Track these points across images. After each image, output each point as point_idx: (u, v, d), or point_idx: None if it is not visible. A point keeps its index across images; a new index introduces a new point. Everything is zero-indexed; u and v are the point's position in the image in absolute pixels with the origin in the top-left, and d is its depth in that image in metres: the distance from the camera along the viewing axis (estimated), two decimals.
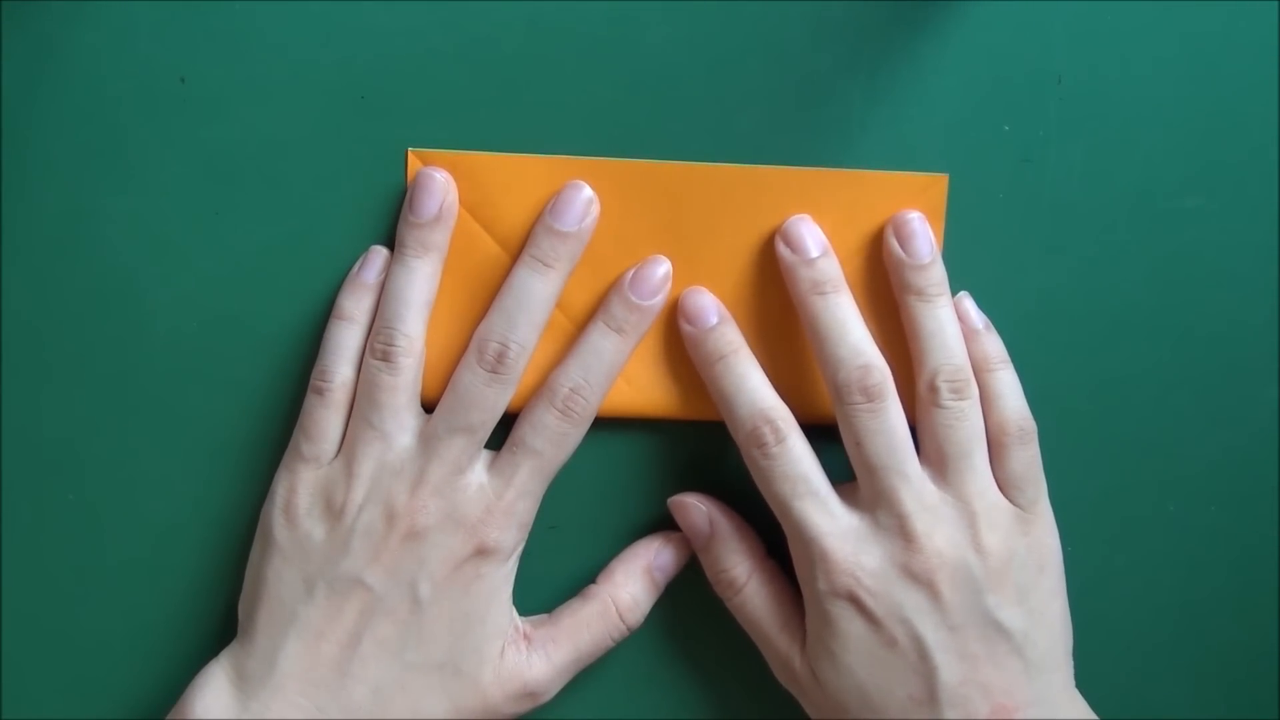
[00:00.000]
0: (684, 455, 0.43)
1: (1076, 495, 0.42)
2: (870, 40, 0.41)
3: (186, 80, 0.41)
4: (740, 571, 0.41)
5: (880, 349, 0.40)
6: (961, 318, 0.41)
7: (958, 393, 0.39)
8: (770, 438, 0.39)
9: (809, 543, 0.39)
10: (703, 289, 0.41)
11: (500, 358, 0.40)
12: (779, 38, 0.41)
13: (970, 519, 0.38)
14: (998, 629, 0.38)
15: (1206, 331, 0.43)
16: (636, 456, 0.43)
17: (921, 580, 0.38)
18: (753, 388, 0.40)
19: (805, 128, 0.42)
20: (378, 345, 0.40)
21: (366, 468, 0.39)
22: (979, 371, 0.40)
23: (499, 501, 0.39)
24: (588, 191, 0.40)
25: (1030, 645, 0.38)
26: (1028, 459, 0.40)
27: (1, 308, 0.42)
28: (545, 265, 0.40)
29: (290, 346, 0.42)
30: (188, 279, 0.42)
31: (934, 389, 0.39)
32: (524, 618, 0.41)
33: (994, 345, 0.41)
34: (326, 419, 0.40)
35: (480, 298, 0.42)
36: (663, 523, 0.43)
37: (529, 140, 0.41)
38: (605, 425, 0.43)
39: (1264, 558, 0.43)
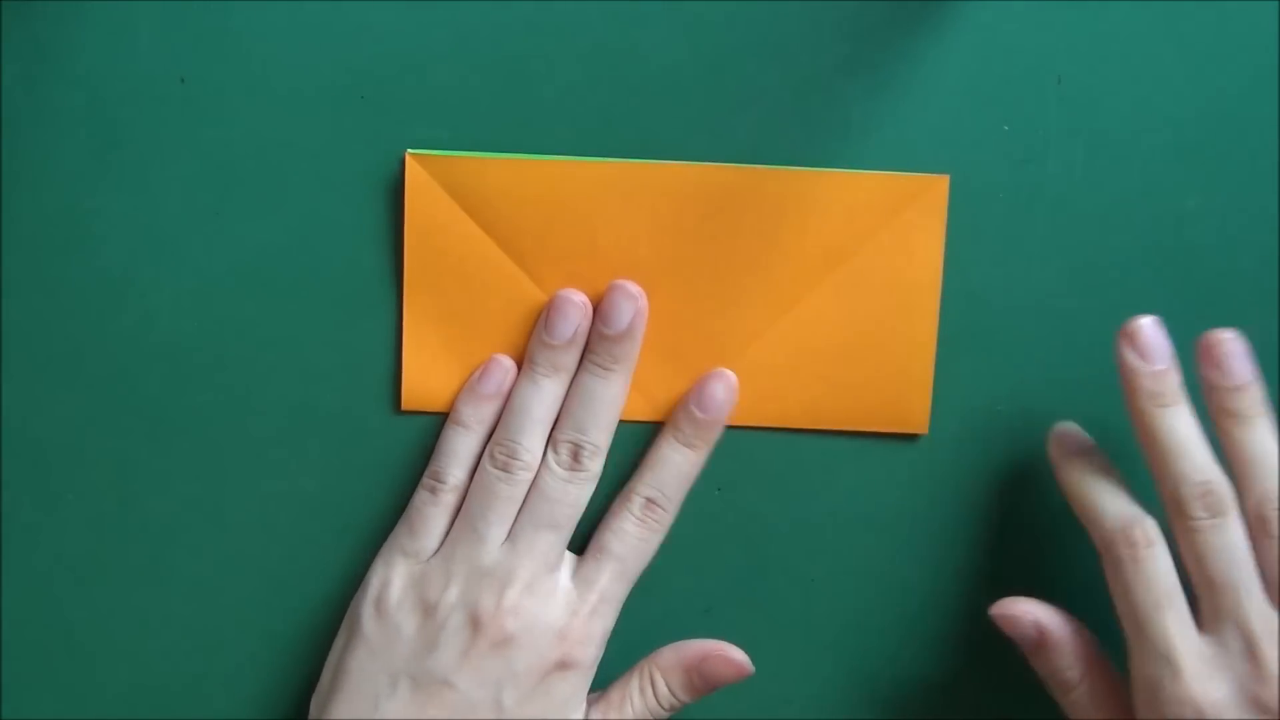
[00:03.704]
0: None
1: None
2: (870, 40, 0.41)
3: (186, 80, 0.41)
4: (1074, 674, 0.40)
5: (880, 349, 0.40)
6: (1214, 361, 0.39)
7: None
8: (1142, 539, 0.38)
9: (1162, 659, 0.37)
10: (1158, 322, 0.39)
11: (576, 456, 0.41)
12: (779, 38, 0.41)
13: None
14: None
15: (1206, 331, 0.43)
16: (636, 457, 0.43)
17: (1268, 709, 0.36)
18: (1117, 491, 0.39)
19: (805, 128, 0.42)
20: (499, 455, 0.41)
21: (463, 568, 0.40)
22: (1221, 424, 0.39)
23: (583, 604, 0.40)
24: (632, 289, 0.41)
25: None
26: None
27: (1, 308, 0.42)
28: (605, 369, 0.41)
29: (290, 346, 0.42)
30: (188, 279, 0.42)
31: (1262, 518, 0.37)
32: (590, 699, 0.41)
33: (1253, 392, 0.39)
34: (435, 517, 0.41)
35: (480, 300, 0.42)
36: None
37: (529, 140, 0.41)
38: None
39: None
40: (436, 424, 0.42)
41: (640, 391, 0.42)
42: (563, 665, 0.39)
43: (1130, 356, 0.39)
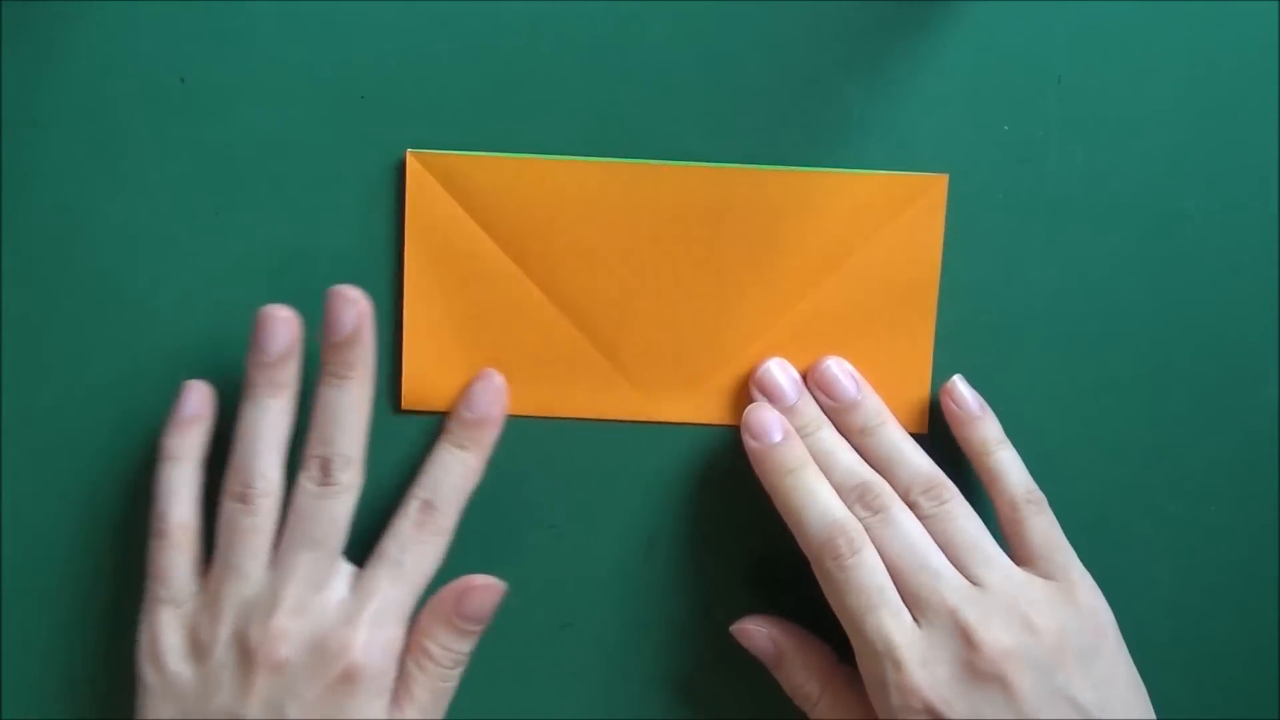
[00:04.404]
0: (684, 456, 0.43)
1: (1076, 495, 0.42)
2: (870, 40, 0.41)
3: (186, 80, 0.41)
4: (813, 687, 0.41)
5: (879, 348, 0.40)
6: (958, 403, 0.41)
7: (937, 499, 0.40)
8: (845, 549, 0.39)
9: (882, 656, 0.38)
10: (763, 404, 0.41)
11: (325, 470, 0.39)
12: (779, 38, 0.41)
13: (1010, 603, 0.38)
14: (1073, 705, 0.37)
15: (1206, 331, 0.43)
16: (636, 456, 0.43)
17: (991, 677, 0.37)
18: (824, 500, 0.40)
19: (805, 128, 0.42)
20: (234, 487, 0.40)
21: (228, 603, 0.39)
22: (979, 455, 0.41)
23: (360, 614, 0.39)
24: (351, 293, 0.40)
25: (1107, 714, 0.37)
26: (1044, 527, 0.40)
27: (1, 308, 0.42)
28: (340, 378, 0.40)
29: None
30: (188, 279, 0.42)
31: (914, 504, 0.40)
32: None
33: (992, 428, 0.41)
34: (172, 561, 0.40)
35: (482, 300, 0.42)
36: (659, 521, 0.43)
37: (529, 140, 0.41)
38: (606, 425, 0.43)
39: (1264, 558, 0.43)
40: (437, 424, 0.42)
41: (641, 393, 0.42)
42: (347, 678, 0.38)
43: (749, 441, 0.41)
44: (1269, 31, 0.42)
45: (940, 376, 0.42)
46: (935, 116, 0.42)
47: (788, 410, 0.41)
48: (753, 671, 0.43)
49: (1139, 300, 0.43)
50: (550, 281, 0.42)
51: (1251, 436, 0.43)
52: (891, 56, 0.42)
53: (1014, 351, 0.42)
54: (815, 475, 0.40)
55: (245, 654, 0.38)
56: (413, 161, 0.41)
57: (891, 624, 0.38)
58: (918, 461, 0.40)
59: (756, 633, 0.42)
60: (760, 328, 0.42)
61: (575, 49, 0.41)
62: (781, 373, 0.42)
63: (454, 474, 0.41)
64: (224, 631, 0.39)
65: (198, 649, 0.39)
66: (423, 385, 0.42)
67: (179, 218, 0.42)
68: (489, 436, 0.41)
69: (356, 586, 0.40)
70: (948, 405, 0.41)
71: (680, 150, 0.41)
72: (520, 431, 0.43)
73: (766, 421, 0.41)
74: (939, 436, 0.42)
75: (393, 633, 0.39)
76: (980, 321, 0.42)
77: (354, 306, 0.40)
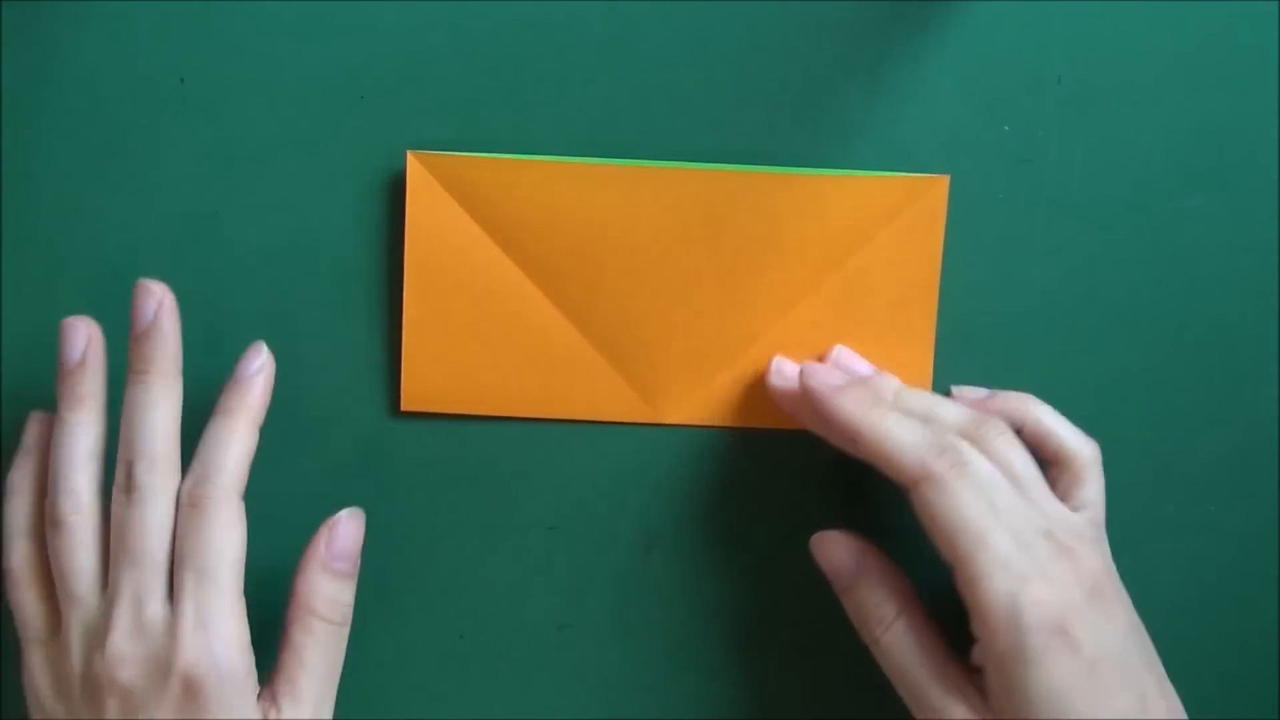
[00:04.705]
0: (684, 457, 0.43)
1: None
2: (870, 40, 0.41)
3: (186, 80, 0.41)
4: (889, 609, 0.39)
5: (879, 349, 0.40)
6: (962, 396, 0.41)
7: (996, 429, 0.39)
8: (949, 466, 0.37)
9: (1010, 574, 0.36)
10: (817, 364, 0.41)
11: (129, 474, 0.38)
12: (779, 38, 0.41)
13: (1078, 529, 0.38)
14: (1141, 632, 0.38)
15: (1206, 331, 0.43)
16: (636, 457, 0.43)
17: (1097, 594, 0.37)
18: (912, 427, 0.38)
19: (805, 128, 0.42)
20: (49, 513, 0.39)
21: (74, 634, 0.38)
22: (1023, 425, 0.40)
23: (182, 624, 0.37)
24: (154, 286, 0.39)
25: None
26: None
27: (2, 308, 0.42)
28: (140, 374, 0.39)
29: (289, 346, 0.42)
30: (188, 279, 0.42)
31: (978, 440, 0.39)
32: (260, 687, 0.39)
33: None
34: (21, 599, 0.39)
35: (480, 301, 0.42)
36: (659, 522, 0.43)
37: (529, 140, 0.41)
38: (606, 427, 0.43)
39: (1264, 558, 0.43)
40: (436, 425, 0.42)
41: (641, 395, 0.42)
42: (189, 691, 0.37)
43: None
44: (1269, 31, 0.42)
45: (941, 377, 0.42)
46: (935, 117, 0.42)
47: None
48: (752, 672, 0.43)
49: (1139, 300, 0.43)
50: (550, 283, 0.42)
51: (1251, 436, 0.43)
52: (891, 56, 0.42)
53: (1014, 352, 0.42)
54: (893, 409, 0.39)
55: (93, 685, 0.37)
56: (413, 162, 0.41)
57: (1011, 542, 0.36)
58: (956, 409, 0.40)
59: (838, 543, 0.40)
60: (760, 329, 0.42)
61: (575, 49, 0.41)
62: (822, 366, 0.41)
63: (220, 441, 0.39)
64: (76, 665, 0.38)
65: (60, 686, 0.38)
66: (422, 386, 0.42)
67: (179, 218, 0.42)
68: (253, 401, 0.39)
69: (170, 596, 0.38)
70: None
71: (680, 151, 0.41)
72: (520, 432, 0.43)
73: (829, 371, 0.40)
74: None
75: (224, 629, 0.37)
76: (980, 321, 0.42)
77: (153, 298, 0.39)
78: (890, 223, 0.42)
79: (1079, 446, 0.40)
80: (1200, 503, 0.43)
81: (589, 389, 0.42)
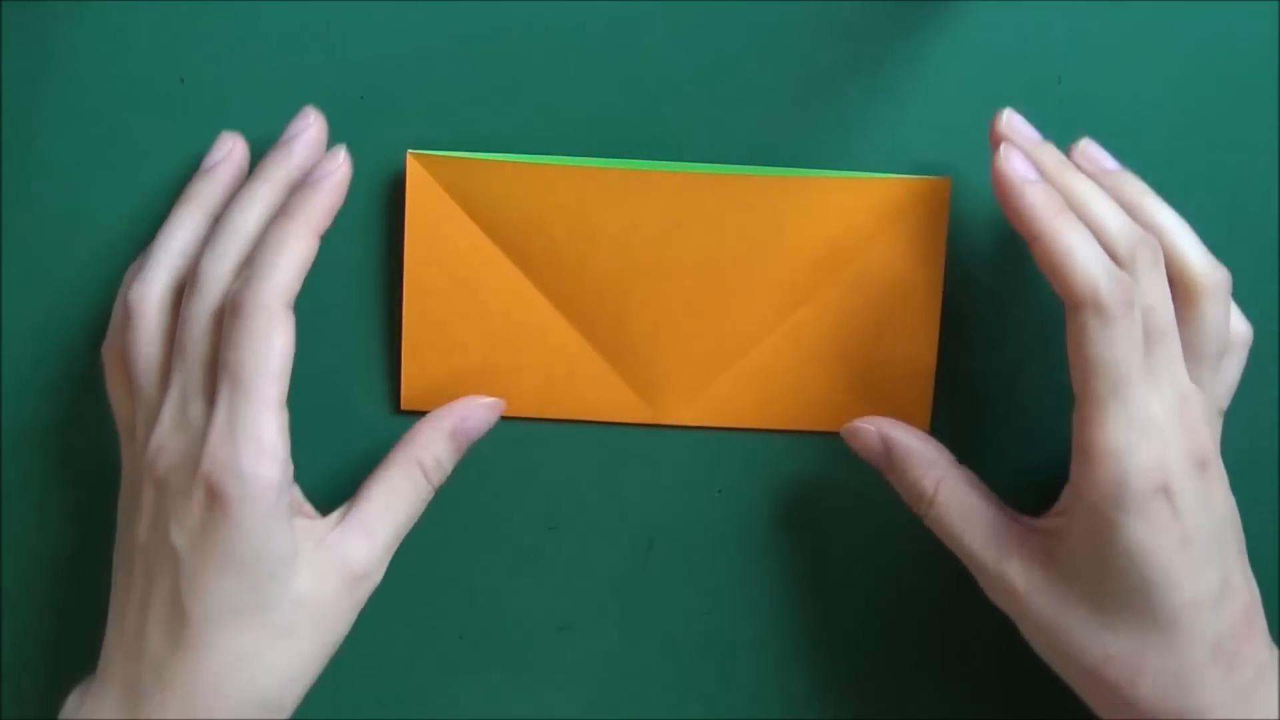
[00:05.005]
0: (685, 458, 0.43)
1: None
2: (870, 40, 0.41)
3: (186, 80, 0.41)
4: (927, 485, 0.39)
5: (881, 351, 0.40)
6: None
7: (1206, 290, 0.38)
8: (1118, 303, 0.36)
9: (1138, 426, 0.35)
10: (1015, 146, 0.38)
11: (197, 269, 0.38)
12: (779, 38, 0.41)
13: (1206, 408, 0.38)
14: (1236, 519, 0.38)
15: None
16: (636, 458, 0.43)
17: (1201, 468, 0.36)
18: (1096, 250, 0.36)
19: (805, 128, 0.42)
20: (122, 304, 0.39)
21: (139, 426, 0.38)
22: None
23: (213, 429, 0.36)
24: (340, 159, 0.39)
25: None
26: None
27: (1, 308, 0.42)
28: (285, 215, 0.38)
29: None
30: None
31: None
32: (332, 511, 0.39)
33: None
34: (110, 386, 0.40)
35: (479, 301, 0.42)
36: (660, 522, 0.43)
37: (528, 140, 0.41)
38: (606, 427, 0.43)
39: (1264, 558, 0.43)
40: None
41: (641, 395, 0.42)
42: (214, 499, 0.36)
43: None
44: (1269, 31, 0.42)
45: (942, 377, 0.42)
46: (936, 117, 0.42)
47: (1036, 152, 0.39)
48: (752, 672, 0.43)
49: None
50: (550, 283, 0.42)
51: (1251, 436, 0.43)
52: (891, 56, 0.42)
53: (1016, 351, 0.42)
54: (1079, 223, 0.37)
55: (140, 472, 0.37)
56: (413, 163, 0.41)
57: (1151, 396, 0.36)
58: (1194, 243, 0.38)
59: (865, 431, 0.40)
60: (761, 331, 0.42)
61: (575, 49, 0.41)
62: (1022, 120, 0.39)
63: (276, 248, 0.37)
64: (139, 453, 0.38)
65: (130, 477, 0.39)
66: (422, 386, 0.42)
67: None
68: (321, 205, 0.38)
69: (212, 400, 0.37)
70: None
71: (680, 151, 0.41)
72: (519, 433, 0.43)
73: (1023, 160, 0.38)
74: (941, 438, 0.42)
75: (254, 441, 0.36)
76: (980, 321, 0.42)
77: (340, 167, 0.38)
78: (893, 225, 0.41)
79: (1239, 324, 0.40)
80: None
81: (589, 389, 0.42)
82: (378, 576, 0.39)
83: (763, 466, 0.43)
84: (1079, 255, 0.36)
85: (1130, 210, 0.39)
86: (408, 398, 0.42)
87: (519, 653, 0.44)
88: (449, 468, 0.41)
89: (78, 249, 0.42)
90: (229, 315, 0.36)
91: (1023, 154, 0.38)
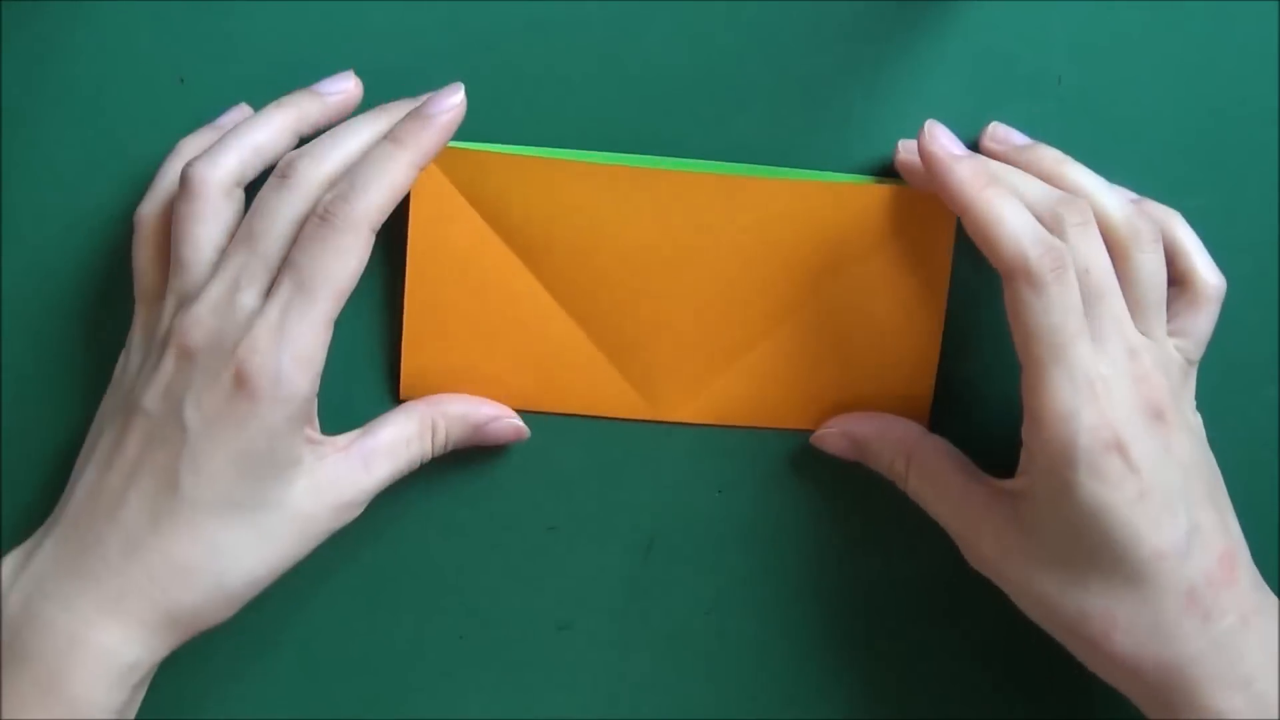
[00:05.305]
0: (685, 457, 0.43)
1: None
2: (870, 40, 0.41)
3: (186, 80, 0.41)
4: (899, 463, 0.41)
5: (883, 352, 0.40)
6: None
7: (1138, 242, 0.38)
8: (1049, 267, 0.36)
9: (1082, 385, 0.36)
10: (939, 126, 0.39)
11: (290, 164, 0.37)
12: (779, 38, 0.41)
13: (1165, 360, 0.38)
14: (1209, 468, 0.38)
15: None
16: (637, 456, 0.43)
17: (1157, 421, 0.37)
18: (1024, 216, 0.37)
19: (805, 128, 0.42)
20: (183, 174, 0.38)
21: (169, 300, 0.38)
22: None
23: (262, 321, 0.36)
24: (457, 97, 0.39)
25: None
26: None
27: (2, 308, 0.42)
28: (394, 140, 0.38)
29: None
30: None
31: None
32: (340, 435, 0.39)
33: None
34: (140, 252, 0.40)
35: (481, 294, 0.42)
36: (661, 522, 0.43)
37: (528, 140, 0.41)
38: (606, 425, 0.43)
39: (1264, 558, 0.43)
40: None
41: (642, 392, 0.42)
42: (241, 384, 0.36)
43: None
44: (1269, 31, 0.42)
45: (942, 377, 0.42)
46: (935, 117, 0.42)
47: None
48: (753, 672, 0.43)
49: None
50: (552, 278, 0.42)
51: (1251, 436, 0.43)
52: (891, 56, 0.42)
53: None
54: (1009, 193, 0.37)
55: (164, 340, 0.37)
56: None
57: (1093, 354, 0.36)
58: (1115, 199, 0.39)
59: (829, 436, 0.42)
60: (764, 330, 0.42)
61: (575, 49, 0.41)
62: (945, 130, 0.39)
63: (377, 166, 0.37)
64: (164, 325, 0.38)
65: (144, 346, 0.38)
66: (423, 381, 0.42)
67: None
68: (430, 138, 0.38)
69: (268, 295, 0.37)
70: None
71: (679, 149, 0.41)
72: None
73: (949, 137, 0.38)
74: (941, 428, 0.42)
75: (298, 344, 0.36)
76: (981, 322, 0.42)
77: (458, 101, 0.39)
78: (899, 231, 0.41)
79: (1207, 275, 0.40)
80: None
81: (589, 385, 0.42)
82: (358, 512, 0.39)
83: (763, 466, 0.43)
84: (1007, 224, 0.36)
85: (1050, 179, 0.39)
86: (407, 388, 0.42)
87: (519, 653, 0.44)
88: (453, 448, 0.41)
89: (77, 248, 0.42)
90: (316, 221, 0.36)
91: (948, 132, 0.38)
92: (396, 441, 0.40)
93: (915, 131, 0.41)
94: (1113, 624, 0.36)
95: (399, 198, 0.37)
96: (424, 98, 0.39)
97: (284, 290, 0.36)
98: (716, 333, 0.42)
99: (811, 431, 0.42)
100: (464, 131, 0.41)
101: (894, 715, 0.44)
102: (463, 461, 0.43)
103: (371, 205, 0.37)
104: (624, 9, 0.41)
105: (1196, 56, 0.42)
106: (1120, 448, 0.36)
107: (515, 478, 0.43)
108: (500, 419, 0.42)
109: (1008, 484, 0.38)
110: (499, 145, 0.41)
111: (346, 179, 0.37)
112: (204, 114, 0.41)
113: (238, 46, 0.41)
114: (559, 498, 0.43)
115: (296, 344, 0.36)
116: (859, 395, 0.42)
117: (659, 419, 0.43)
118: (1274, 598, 0.38)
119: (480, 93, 0.41)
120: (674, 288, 0.42)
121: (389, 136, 0.38)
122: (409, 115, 0.38)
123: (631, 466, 0.43)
